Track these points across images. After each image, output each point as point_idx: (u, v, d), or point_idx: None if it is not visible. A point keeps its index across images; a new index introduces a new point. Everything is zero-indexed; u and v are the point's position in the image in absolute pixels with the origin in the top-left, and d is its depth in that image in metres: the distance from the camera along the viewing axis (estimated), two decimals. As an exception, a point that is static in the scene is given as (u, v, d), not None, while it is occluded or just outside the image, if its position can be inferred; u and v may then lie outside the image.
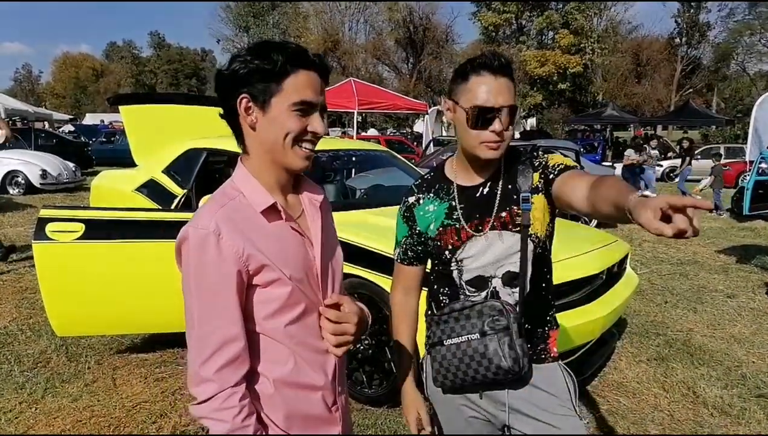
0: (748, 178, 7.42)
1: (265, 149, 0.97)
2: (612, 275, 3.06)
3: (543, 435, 1.21)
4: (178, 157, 3.79)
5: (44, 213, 2.81)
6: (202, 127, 4.01)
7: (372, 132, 24.95)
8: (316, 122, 0.96)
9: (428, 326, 1.30)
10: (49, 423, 2.56)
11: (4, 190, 10.72)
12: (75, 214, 2.85)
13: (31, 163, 10.97)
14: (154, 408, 2.68)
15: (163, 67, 56.49)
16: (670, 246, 6.59)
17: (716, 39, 36.98)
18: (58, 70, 59.16)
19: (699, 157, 14.95)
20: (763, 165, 7.32)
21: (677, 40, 36.60)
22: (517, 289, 1.22)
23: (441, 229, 1.26)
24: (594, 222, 6.00)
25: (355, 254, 2.63)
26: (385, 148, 5.10)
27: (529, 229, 1.20)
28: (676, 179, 11.02)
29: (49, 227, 2.78)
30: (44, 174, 10.94)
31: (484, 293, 1.24)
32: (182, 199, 3.57)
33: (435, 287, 1.33)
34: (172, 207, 3.52)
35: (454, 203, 1.26)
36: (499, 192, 1.23)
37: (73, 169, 12.01)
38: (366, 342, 2.72)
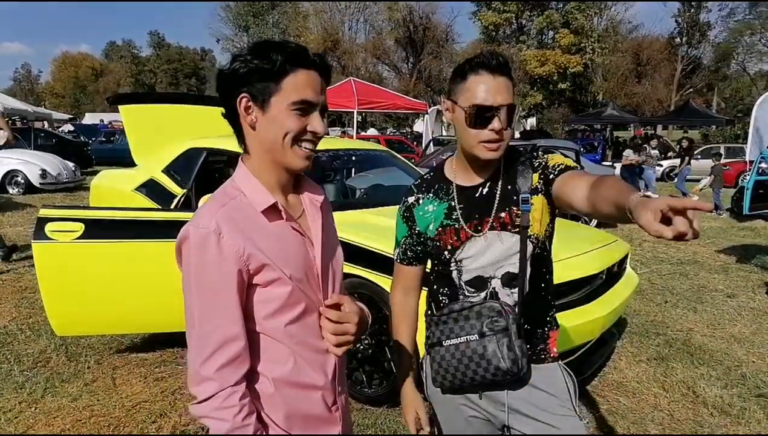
0: (748, 178, 7.42)
1: (264, 149, 0.97)
2: (612, 275, 3.06)
3: (542, 435, 1.21)
4: (178, 157, 3.79)
5: (44, 213, 2.81)
6: (202, 127, 4.00)
7: (372, 132, 24.95)
8: (315, 122, 0.95)
9: (428, 327, 1.30)
10: (48, 423, 2.56)
11: (4, 190, 10.72)
12: (74, 214, 2.84)
13: (31, 163, 10.97)
14: (153, 408, 2.68)
15: (163, 67, 56.47)
16: (670, 246, 6.59)
17: (717, 39, 37.03)
18: (57, 69, 59.15)
19: (699, 157, 14.96)
20: (763, 165, 7.32)
21: (677, 39, 36.59)
22: (517, 289, 1.22)
23: (440, 229, 1.26)
24: (594, 222, 6.00)
25: (355, 254, 2.63)
26: (385, 148, 5.10)
27: (529, 230, 1.19)
28: (676, 179, 11.01)
29: (49, 227, 2.78)
30: (44, 174, 10.94)
31: (483, 294, 1.24)
32: (182, 199, 3.56)
33: (435, 287, 1.33)
34: (172, 207, 3.52)
35: (453, 203, 1.26)
36: (498, 192, 1.23)
37: (73, 168, 12.01)
38: (366, 342, 2.72)
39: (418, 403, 1.37)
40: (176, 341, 3.30)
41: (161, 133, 4.05)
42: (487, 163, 1.23)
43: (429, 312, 1.34)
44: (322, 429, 1.06)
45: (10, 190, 10.76)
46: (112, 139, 17.48)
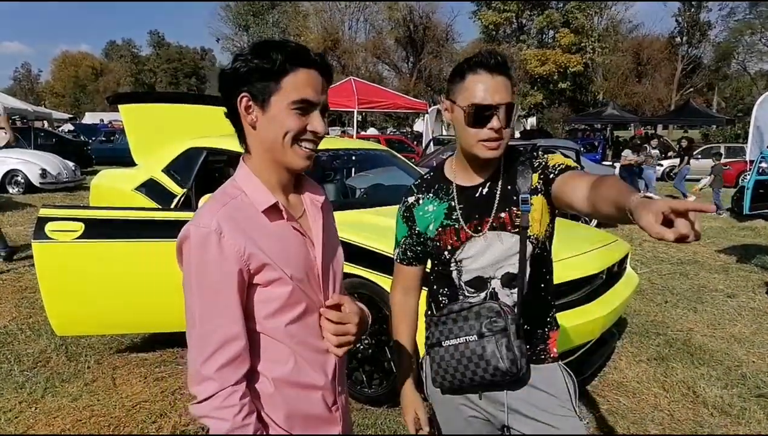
0: (748, 177, 7.42)
1: (265, 148, 0.97)
2: (612, 275, 3.06)
3: (542, 435, 1.21)
4: (178, 157, 3.78)
5: (44, 212, 2.81)
6: (202, 127, 4.00)
7: (371, 131, 24.94)
8: (316, 121, 0.95)
9: (427, 327, 1.30)
10: (48, 423, 2.56)
11: (4, 190, 10.72)
12: (74, 214, 2.84)
13: (31, 163, 10.97)
14: (153, 408, 2.68)
15: (163, 66, 56.46)
16: (670, 246, 6.58)
17: (717, 38, 37.00)
18: (57, 69, 59.15)
19: (699, 156, 14.96)
20: (764, 164, 7.32)
21: (678, 39, 36.57)
22: (516, 290, 1.22)
23: (440, 229, 1.26)
24: (594, 222, 6.00)
25: (356, 254, 2.63)
26: (385, 148, 5.09)
27: (528, 230, 1.19)
28: (675, 179, 11.01)
29: (49, 227, 2.78)
30: (44, 173, 10.94)
31: (483, 294, 1.23)
32: (182, 199, 3.56)
33: (434, 287, 1.33)
34: (172, 206, 3.52)
35: (453, 204, 1.26)
36: (498, 192, 1.23)
37: (73, 168, 12.00)
38: (366, 342, 2.72)
39: (418, 403, 1.37)
40: (176, 341, 3.30)
41: (161, 133, 4.05)
42: (486, 163, 1.23)
43: (429, 312, 1.34)
44: (322, 429, 1.06)
45: (10, 190, 10.76)
46: (112, 138, 17.48)
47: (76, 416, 2.61)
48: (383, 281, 2.54)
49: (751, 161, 7.89)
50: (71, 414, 2.62)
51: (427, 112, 14.98)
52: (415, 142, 18.77)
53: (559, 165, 1.19)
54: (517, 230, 1.20)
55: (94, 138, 18.38)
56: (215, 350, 0.90)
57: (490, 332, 1.16)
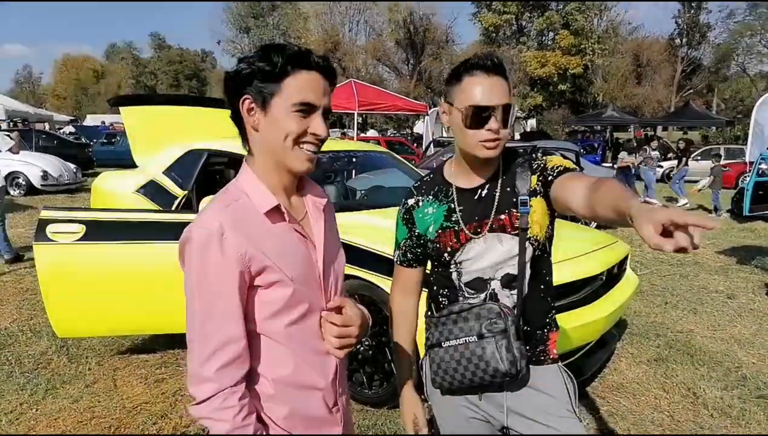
0: (748, 179, 7.43)
1: (267, 150, 0.97)
2: (612, 276, 3.07)
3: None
4: (179, 159, 3.79)
5: (45, 214, 2.82)
6: (203, 129, 4.01)
7: (371, 133, 24.95)
8: (317, 124, 0.95)
9: (427, 328, 1.30)
10: (49, 424, 2.56)
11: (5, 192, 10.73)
12: (75, 216, 2.85)
13: (32, 165, 10.98)
14: (154, 409, 2.69)
15: (164, 69, 56.53)
16: (671, 247, 6.57)
17: (716, 40, 36.97)
18: (58, 71, 59.25)
19: (699, 158, 14.97)
20: (763, 166, 7.33)
21: (677, 41, 36.58)
22: (516, 291, 1.22)
23: (440, 231, 1.26)
24: (594, 223, 6.00)
25: (356, 256, 2.64)
26: (385, 150, 5.10)
27: (528, 232, 1.20)
28: (679, 181, 11.01)
29: (50, 229, 2.79)
30: (45, 175, 10.96)
31: (483, 295, 1.24)
32: (183, 201, 3.57)
33: (434, 288, 1.33)
34: (173, 208, 3.52)
35: (453, 206, 1.26)
36: (497, 194, 1.23)
37: (74, 170, 12.02)
38: (366, 343, 2.72)
39: (417, 404, 1.37)
40: (177, 342, 3.30)
41: (162, 135, 4.06)
42: (486, 165, 1.24)
43: (429, 313, 1.35)
44: (323, 430, 1.06)
45: (12, 192, 10.77)
46: (113, 140, 17.50)
47: (77, 417, 2.62)
48: (383, 282, 2.55)
49: (751, 163, 7.91)
50: (72, 416, 2.63)
51: (428, 114, 15.01)
52: (415, 144, 18.77)
53: (557, 167, 1.20)
54: (517, 231, 1.20)
55: (95, 140, 18.41)
56: (215, 351, 0.91)
57: (489, 333, 1.16)
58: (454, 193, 1.27)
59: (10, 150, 5.73)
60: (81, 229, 2.80)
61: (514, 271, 1.22)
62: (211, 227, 0.91)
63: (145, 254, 2.83)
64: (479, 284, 1.24)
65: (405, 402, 1.38)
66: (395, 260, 1.39)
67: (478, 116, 1.13)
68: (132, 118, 4.16)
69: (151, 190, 3.83)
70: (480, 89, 1.13)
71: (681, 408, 2.82)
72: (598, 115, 22.64)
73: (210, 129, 3.96)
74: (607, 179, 1.03)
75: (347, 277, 2.56)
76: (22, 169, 10.85)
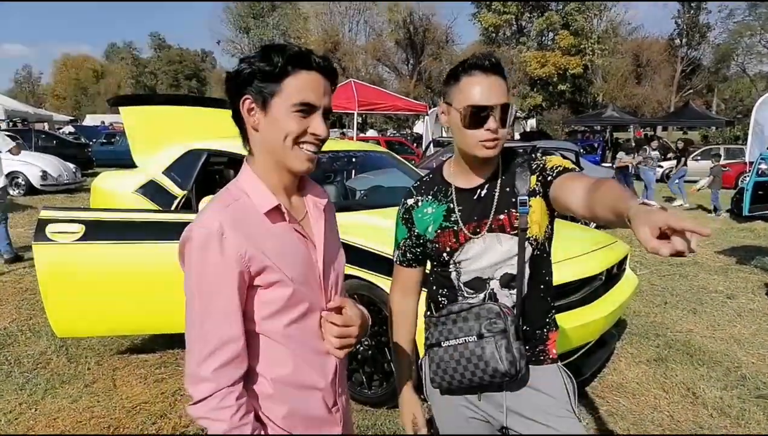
0: (747, 179, 7.43)
1: (267, 150, 0.98)
2: (612, 276, 3.07)
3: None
4: (179, 159, 3.79)
5: (44, 214, 2.82)
6: (203, 129, 4.01)
7: (371, 133, 24.95)
8: (317, 124, 0.95)
9: (427, 328, 1.30)
10: (49, 424, 2.56)
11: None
12: (75, 216, 2.85)
13: (32, 165, 10.98)
14: (154, 409, 2.69)
15: (163, 69, 56.54)
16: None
17: (716, 40, 36.98)
18: (58, 71, 59.23)
19: (699, 158, 14.97)
20: (763, 166, 7.34)
21: (677, 41, 36.60)
22: (515, 291, 1.22)
23: (439, 231, 1.26)
24: (593, 223, 6.01)
25: (355, 256, 2.63)
26: (385, 150, 5.10)
27: (527, 232, 1.20)
28: (676, 181, 11.03)
29: (49, 228, 2.79)
30: (44, 175, 10.95)
31: (482, 295, 1.24)
32: (182, 201, 3.57)
33: (434, 288, 1.33)
34: (172, 208, 3.52)
35: (452, 206, 1.26)
36: (497, 194, 1.23)
37: (74, 170, 12.02)
38: (366, 343, 2.72)
39: (416, 404, 1.37)
40: (176, 342, 3.30)
41: (162, 135, 4.06)
42: (485, 165, 1.24)
43: (428, 313, 1.35)
44: (322, 430, 1.06)
45: (11, 192, 10.74)
46: (112, 140, 17.50)
47: (76, 417, 2.62)
48: (383, 282, 2.55)
49: (751, 163, 7.91)
50: (71, 415, 2.63)
51: (427, 114, 15.00)
52: (415, 144, 18.78)
53: (557, 167, 1.20)
54: (516, 231, 1.20)
55: (94, 140, 18.40)
56: (213, 351, 0.91)
57: (489, 333, 1.16)
58: (454, 193, 1.27)
59: (9, 151, 5.74)
60: (80, 229, 2.80)
61: (514, 271, 1.22)
62: (211, 226, 0.91)
63: (145, 254, 2.83)
64: (478, 283, 1.24)
65: (404, 402, 1.39)
66: (395, 260, 1.39)
67: (476, 116, 1.13)
68: (131, 118, 4.16)
69: (151, 190, 3.83)
70: (478, 89, 1.13)
71: (680, 408, 2.82)
72: (597, 115, 22.65)
73: (209, 129, 3.96)
74: (606, 180, 1.03)
75: (347, 277, 2.56)
76: (22, 169, 10.84)
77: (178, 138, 3.92)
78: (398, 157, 4.69)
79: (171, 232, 2.78)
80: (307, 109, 0.94)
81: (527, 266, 1.22)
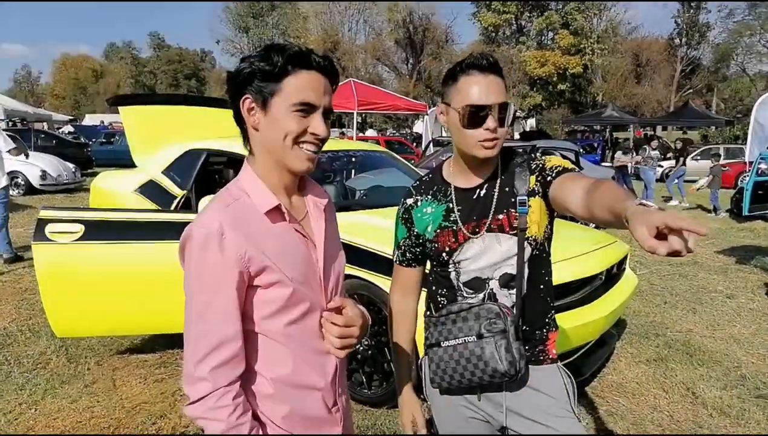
0: (747, 178, 7.44)
1: (267, 150, 0.98)
2: (611, 276, 3.07)
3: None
4: (178, 159, 3.79)
5: (44, 214, 2.82)
6: (202, 128, 4.01)
7: (370, 133, 24.94)
8: (317, 123, 0.95)
9: (426, 328, 1.30)
10: (48, 424, 2.56)
11: (4, 191, 10.70)
12: (74, 216, 2.85)
13: (31, 164, 10.96)
14: (153, 409, 2.69)
15: (163, 68, 56.52)
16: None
17: (716, 40, 37.01)
18: (57, 71, 59.17)
19: (698, 157, 14.98)
20: (763, 166, 7.34)
21: (677, 40, 36.61)
22: (515, 291, 1.22)
23: (438, 231, 1.26)
24: (593, 223, 6.00)
25: (355, 255, 2.63)
26: (385, 149, 5.10)
27: (526, 232, 1.20)
28: (675, 181, 11.05)
29: (49, 228, 2.78)
30: (44, 175, 10.94)
31: (481, 295, 1.24)
32: (181, 201, 3.57)
33: (433, 288, 1.33)
34: (172, 208, 3.52)
35: (451, 205, 1.26)
36: (496, 194, 1.23)
37: (73, 170, 12.00)
38: (366, 343, 2.72)
39: (415, 405, 1.37)
40: (176, 342, 3.30)
41: (161, 135, 4.06)
42: (484, 165, 1.24)
43: (428, 313, 1.35)
44: (322, 430, 1.06)
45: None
46: (112, 140, 17.50)
47: (75, 417, 2.61)
48: (383, 282, 2.55)
49: (750, 162, 7.91)
50: (71, 416, 2.63)
51: (427, 114, 14.99)
52: (414, 144, 18.79)
53: (556, 167, 1.20)
54: (515, 231, 1.20)
55: (94, 140, 18.39)
56: (210, 351, 0.91)
57: (489, 333, 1.16)
58: (453, 192, 1.27)
59: (9, 152, 5.74)
60: (80, 229, 2.80)
61: (513, 271, 1.21)
62: (211, 226, 0.91)
63: (144, 253, 2.83)
64: (478, 283, 1.24)
65: (404, 403, 1.39)
66: (394, 259, 1.39)
67: (475, 116, 1.13)
68: (131, 118, 4.16)
69: (150, 189, 3.83)
70: (476, 89, 1.13)
71: (680, 408, 2.82)
72: (597, 115, 22.65)
73: (209, 129, 3.96)
74: (605, 181, 1.03)
75: (346, 277, 2.55)
76: (21, 168, 10.82)
77: (177, 138, 3.92)
78: (398, 156, 4.69)
79: (170, 232, 2.77)
80: (307, 109, 0.94)
81: (526, 266, 1.22)
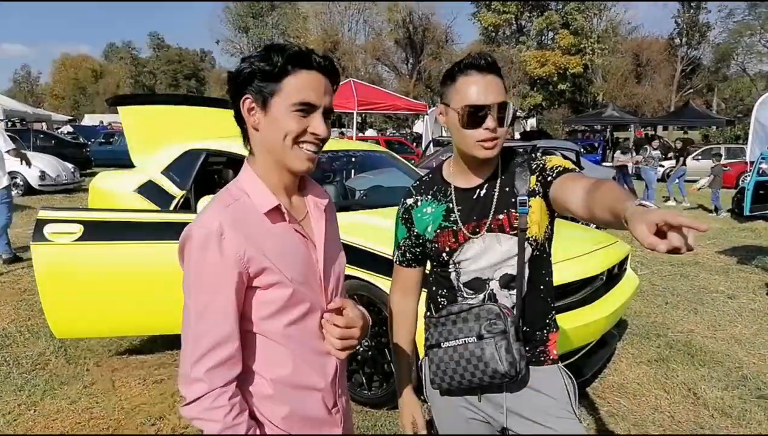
0: (748, 178, 7.43)
1: (267, 150, 0.97)
2: (612, 276, 3.06)
3: (541, 436, 1.21)
4: (177, 159, 3.78)
5: (43, 214, 2.81)
6: (201, 128, 4.00)
7: (370, 132, 24.94)
8: (317, 123, 0.95)
9: (426, 328, 1.29)
10: (47, 425, 2.55)
11: (4, 192, 10.70)
12: (73, 216, 2.84)
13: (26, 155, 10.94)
14: (152, 410, 2.68)
15: (162, 68, 56.55)
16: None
17: (716, 39, 37.04)
18: (57, 71, 59.19)
19: (699, 157, 14.98)
20: (764, 165, 7.33)
21: (677, 40, 36.62)
22: (515, 291, 1.21)
23: (438, 231, 1.26)
24: (594, 224, 5.99)
25: (355, 256, 2.62)
26: (385, 149, 5.10)
27: (527, 232, 1.19)
28: (675, 181, 11.05)
29: (48, 229, 2.77)
30: (43, 175, 10.93)
31: (481, 296, 1.23)
32: (181, 201, 3.56)
33: (433, 288, 1.32)
34: (171, 208, 3.51)
35: (451, 205, 1.25)
36: (496, 194, 1.22)
37: (72, 170, 12.00)
38: (366, 344, 2.71)
39: (415, 406, 1.37)
40: (175, 343, 3.28)
41: (160, 135, 4.05)
42: (484, 165, 1.23)
43: (428, 314, 1.34)
44: (322, 431, 1.05)
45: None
46: (111, 140, 17.49)
47: (75, 418, 2.61)
48: (383, 282, 2.54)
49: (751, 162, 7.90)
50: (70, 417, 2.62)
51: (427, 114, 15.00)
52: (414, 144, 18.79)
53: (557, 167, 1.19)
54: (516, 232, 1.20)
55: (93, 140, 18.39)
56: (207, 352, 0.90)
57: (489, 334, 1.16)
58: (453, 192, 1.26)
59: (8, 152, 5.75)
60: (79, 229, 2.79)
61: (513, 271, 1.21)
62: (211, 226, 0.91)
63: (143, 254, 2.82)
64: (478, 284, 1.23)
65: (404, 404, 1.38)
66: (395, 260, 1.38)
67: (474, 116, 1.13)
68: (130, 118, 4.15)
69: (149, 190, 3.83)
70: (475, 89, 1.12)
71: (681, 408, 2.81)
72: (598, 115, 22.67)
73: (208, 129, 3.95)
74: (606, 181, 1.02)
75: (346, 277, 2.54)
76: (20, 169, 10.79)
77: (176, 138, 3.91)
78: (398, 156, 4.68)
79: (170, 232, 2.77)
80: (306, 109, 0.93)
81: (527, 266, 1.22)
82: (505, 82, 1.18)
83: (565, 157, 1.28)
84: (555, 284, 1.34)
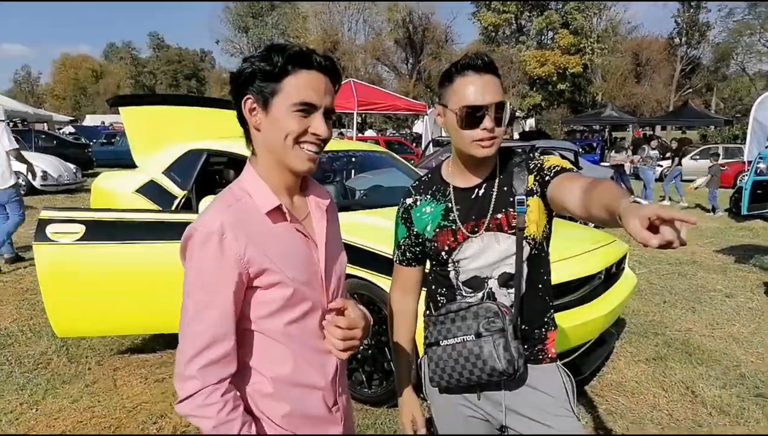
0: (746, 178, 7.44)
1: (268, 150, 0.98)
2: (610, 275, 3.07)
3: (539, 435, 1.22)
4: (179, 159, 3.79)
5: (45, 215, 2.82)
6: (202, 129, 4.01)
7: (370, 133, 24.92)
8: (318, 123, 0.95)
9: (426, 327, 1.31)
10: (49, 424, 2.56)
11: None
12: (75, 216, 2.86)
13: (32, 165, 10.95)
14: (154, 409, 2.69)
15: (163, 68, 56.47)
16: (669, 246, 6.58)
17: (716, 39, 37.03)
18: (57, 71, 59.11)
19: (697, 157, 14.99)
20: (761, 165, 7.33)
21: (677, 40, 36.60)
22: (513, 290, 1.23)
23: (437, 230, 1.27)
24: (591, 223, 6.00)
25: (355, 255, 2.64)
26: (384, 149, 5.11)
27: (525, 231, 1.20)
28: (672, 181, 11.07)
29: (50, 229, 2.79)
30: (45, 175, 10.92)
31: (480, 294, 1.24)
32: (182, 201, 3.57)
33: (433, 287, 1.34)
34: (173, 208, 3.53)
35: (450, 205, 1.27)
36: (494, 193, 1.24)
37: (74, 170, 12.00)
38: (366, 343, 2.73)
39: (415, 404, 1.38)
40: (177, 342, 3.30)
41: (161, 135, 4.06)
42: (482, 164, 1.24)
43: (427, 312, 1.35)
44: (322, 430, 1.06)
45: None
46: (112, 140, 17.50)
47: (76, 417, 2.62)
48: (383, 281, 2.55)
49: (749, 162, 7.91)
50: (72, 415, 2.63)
51: (427, 114, 14.99)
52: (414, 144, 18.78)
53: (554, 167, 1.20)
54: (514, 231, 1.21)
55: (94, 140, 18.39)
56: (202, 350, 0.91)
57: (487, 332, 1.17)
58: (452, 192, 1.28)
59: (8, 152, 5.76)
60: (81, 229, 2.81)
61: (512, 270, 1.22)
62: (213, 226, 0.92)
63: (145, 254, 2.84)
64: (476, 282, 1.25)
65: (404, 402, 1.39)
66: (394, 259, 1.40)
67: (472, 116, 1.14)
68: (131, 118, 4.16)
69: (151, 190, 3.84)
70: (472, 89, 1.14)
71: (679, 407, 2.82)
72: (597, 115, 22.67)
73: (209, 129, 3.96)
74: (603, 180, 1.04)
75: (346, 276, 2.56)
76: (22, 169, 10.81)
77: (177, 138, 3.92)
78: (397, 156, 4.70)
79: (171, 232, 2.78)
80: (307, 109, 0.94)
81: (525, 265, 1.23)
82: (502, 82, 1.19)
83: (564, 157, 1.29)
84: (553, 282, 1.35)
